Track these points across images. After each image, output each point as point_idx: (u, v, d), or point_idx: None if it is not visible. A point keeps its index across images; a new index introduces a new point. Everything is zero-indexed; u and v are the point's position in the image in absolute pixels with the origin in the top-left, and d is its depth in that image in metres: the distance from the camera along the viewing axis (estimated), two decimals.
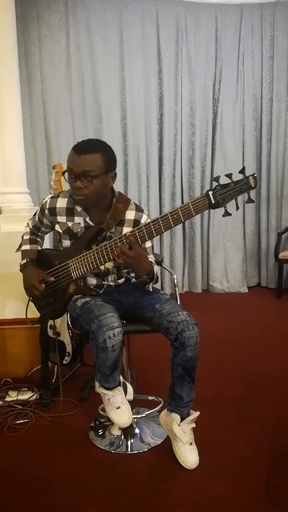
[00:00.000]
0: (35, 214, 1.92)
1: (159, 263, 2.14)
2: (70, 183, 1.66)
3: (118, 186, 4.08)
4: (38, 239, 1.98)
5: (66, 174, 1.67)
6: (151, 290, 1.80)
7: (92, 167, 1.61)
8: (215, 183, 1.48)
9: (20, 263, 1.91)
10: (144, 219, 1.79)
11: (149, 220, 1.78)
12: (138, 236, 1.58)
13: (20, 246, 1.97)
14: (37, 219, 1.90)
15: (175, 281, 2.27)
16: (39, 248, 1.98)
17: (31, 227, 1.96)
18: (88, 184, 1.62)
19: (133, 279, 1.91)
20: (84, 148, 1.61)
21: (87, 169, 1.60)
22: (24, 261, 1.90)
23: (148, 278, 1.72)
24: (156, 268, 1.79)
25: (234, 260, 4.63)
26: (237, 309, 4.00)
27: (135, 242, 1.58)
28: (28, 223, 1.98)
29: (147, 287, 1.78)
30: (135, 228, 1.60)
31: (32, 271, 1.83)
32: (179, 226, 4.48)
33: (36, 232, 1.96)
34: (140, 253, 1.61)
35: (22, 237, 1.98)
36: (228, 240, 4.61)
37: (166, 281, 4.52)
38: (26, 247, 1.94)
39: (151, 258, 1.79)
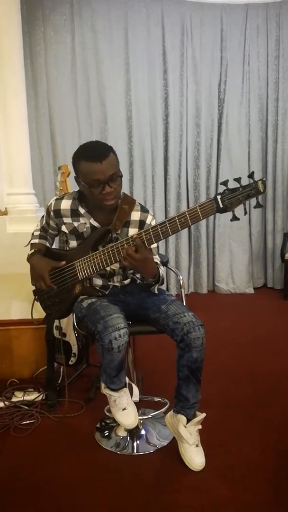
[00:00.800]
0: (43, 217, 1.94)
1: (165, 264, 2.14)
2: (98, 192, 1.62)
3: (123, 186, 4.08)
4: (48, 236, 1.99)
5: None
6: (156, 292, 1.80)
7: (115, 169, 1.63)
8: (223, 187, 1.47)
9: (28, 253, 1.92)
10: (149, 220, 1.79)
11: (154, 220, 1.78)
12: (144, 239, 1.58)
13: (30, 241, 1.98)
14: (44, 221, 1.92)
15: (181, 282, 2.27)
16: (48, 245, 1.99)
17: (39, 228, 1.98)
18: (116, 186, 1.65)
19: (139, 280, 1.91)
20: (101, 154, 1.60)
21: (113, 172, 1.61)
22: (32, 251, 1.90)
23: (154, 280, 1.72)
24: (162, 269, 1.79)
25: (240, 260, 4.61)
26: (243, 310, 3.99)
27: (142, 245, 1.57)
28: (37, 224, 2.00)
29: (152, 289, 1.77)
30: (142, 231, 1.59)
31: (41, 260, 1.84)
32: None
33: (44, 233, 1.97)
34: (146, 256, 1.60)
35: (32, 233, 2.00)
36: (234, 240, 4.60)
37: (171, 282, 4.51)
38: (35, 240, 1.96)
39: (157, 258, 1.78)
